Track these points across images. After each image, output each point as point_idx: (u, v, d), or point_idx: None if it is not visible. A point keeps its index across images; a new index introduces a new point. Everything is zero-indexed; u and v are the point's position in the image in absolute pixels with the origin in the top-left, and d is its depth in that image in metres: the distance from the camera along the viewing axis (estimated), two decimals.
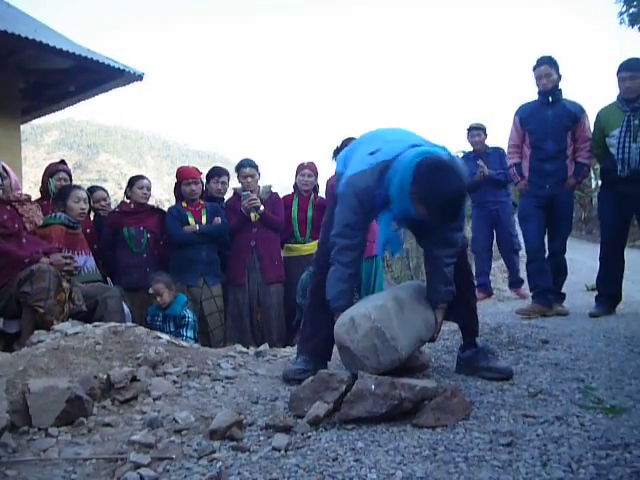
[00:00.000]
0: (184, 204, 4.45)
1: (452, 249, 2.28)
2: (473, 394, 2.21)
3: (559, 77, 4.08)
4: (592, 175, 14.90)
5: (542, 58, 4.09)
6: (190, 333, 3.93)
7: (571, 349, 2.87)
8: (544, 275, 4.11)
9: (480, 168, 5.13)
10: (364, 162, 2.15)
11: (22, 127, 7.68)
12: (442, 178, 1.94)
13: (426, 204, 1.98)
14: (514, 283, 5.46)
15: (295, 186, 4.78)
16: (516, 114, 4.26)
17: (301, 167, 4.72)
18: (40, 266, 3.07)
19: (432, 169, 1.96)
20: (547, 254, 4.24)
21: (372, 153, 2.15)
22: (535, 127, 4.11)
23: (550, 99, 4.08)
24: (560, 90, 4.11)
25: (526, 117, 4.18)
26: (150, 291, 3.94)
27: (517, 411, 1.98)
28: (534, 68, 4.13)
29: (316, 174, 4.72)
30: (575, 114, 4.04)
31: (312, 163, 4.77)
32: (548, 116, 4.06)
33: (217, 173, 4.82)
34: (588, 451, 1.60)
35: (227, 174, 4.85)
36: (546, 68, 4.06)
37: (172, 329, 3.89)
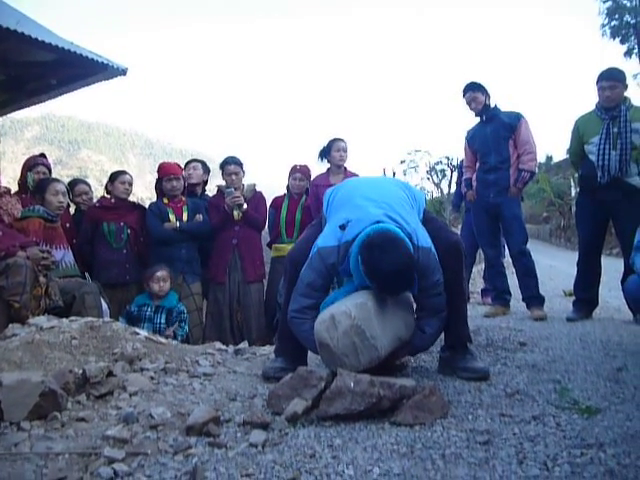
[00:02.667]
0: (165, 200, 4.41)
1: (433, 317, 2.41)
2: (451, 393, 2.22)
3: (487, 96, 4.36)
4: (572, 183, 15.17)
5: (466, 86, 4.39)
6: (186, 327, 4.02)
7: (548, 352, 2.91)
8: (501, 278, 4.48)
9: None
10: (335, 236, 2.35)
11: (1, 120, 7.58)
12: (379, 257, 2.12)
13: (370, 279, 2.19)
14: (486, 291, 5.45)
15: (287, 188, 4.77)
16: (465, 138, 4.59)
17: (293, 170, 4.70)
18: (16, 260, 3.01)
19: (372, 248, 2.15)
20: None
21: (342, 226, 2.33)
22: (479, 145, 4.43)
23: (485, 117, 4.37)
24: (494, 106, 4.37)
25: (471, 138, 4.52)
26: (158, 274, 3.94)
27: (494, 410, 1.99)
28: (462, 96, 4.43)
29: (308, 177, 4.71)
30: (510, 124, 4.26)
31: (305, 166, 4.75)
32: (487, 133, 4.35)
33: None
34: (563, 450, 1.61)
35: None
36: (471, 94, 4.36)
37: (162, 321, 3.88)
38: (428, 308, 2.41)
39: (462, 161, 5.39)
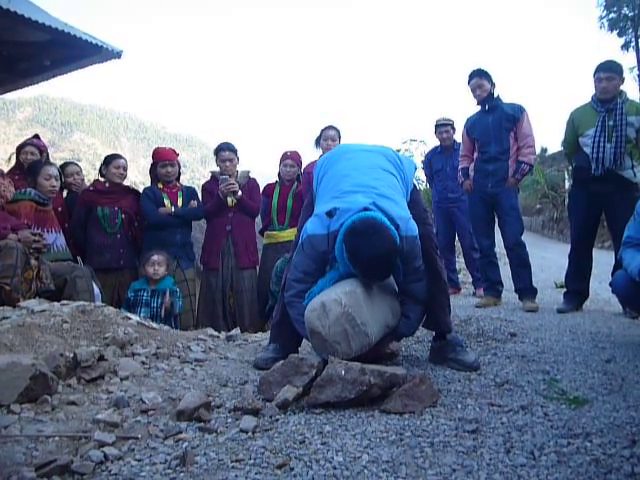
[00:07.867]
0: (160, 185, 4.38)
1: (415, 303, 2.47)
2: (441, 382, 2.24)
3: (493, 85, 4.32)
4: (566, 176, 15.19)
5: (472, 72, 4.34)
6: (181, 302, 4.04)
7: (538, 342, 2.93)
8: (494, 269, 4.45)
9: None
10: (323, 224, 2.32)
11: None
12: (361, 243, 2.14)
13: (353, 265, 2.21)
14: (477, 282, 5.37)
15: (279, 175, 4.76)
16: (464, 126, 4.53)
17: (284, 157, 4.68)
18: (7, 242, 2.99)
19: (355, 234, 2.17)
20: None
21: (330, 213, 2.31)
22: (479, 134, 4.38)
23: (487, 107, 4.33)
24: (497, 96, 4.34)
25: (470, 127, 4.46)
26: (153, 258, 3.94)
27: (483, 400, 2.01)
28: (468, 82, 4.37)
29: (299, 164, 4.69)
30: (514, 115, 4.24)
31: (295, 153, 4.73)
32: (489, 122, 4.31)
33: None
34: (550, 439, 1.63)
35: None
36: (477, 80, 4.31)
37: (159, 305, 3.87)
38: (409, 294, 2.44)
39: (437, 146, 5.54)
